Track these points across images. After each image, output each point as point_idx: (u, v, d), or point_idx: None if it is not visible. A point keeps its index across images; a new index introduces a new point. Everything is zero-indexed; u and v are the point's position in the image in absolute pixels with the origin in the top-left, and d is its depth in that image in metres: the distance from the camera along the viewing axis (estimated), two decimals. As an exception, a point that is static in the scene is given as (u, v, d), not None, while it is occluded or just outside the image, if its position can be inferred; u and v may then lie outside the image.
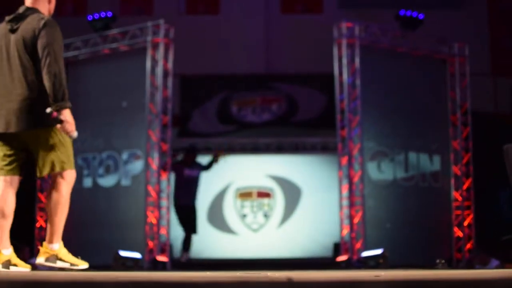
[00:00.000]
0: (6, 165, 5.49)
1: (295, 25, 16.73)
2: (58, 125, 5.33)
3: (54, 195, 5.48)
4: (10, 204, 5.54)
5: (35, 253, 11.29)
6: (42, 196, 12.03)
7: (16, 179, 5.54)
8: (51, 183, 5.55)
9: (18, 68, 5.36)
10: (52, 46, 5.37)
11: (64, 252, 5.46)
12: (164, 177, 11.43)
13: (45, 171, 5.43)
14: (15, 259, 5.51)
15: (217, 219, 14.17)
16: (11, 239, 5.56)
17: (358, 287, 2.57)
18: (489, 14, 17.09)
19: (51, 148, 5.39)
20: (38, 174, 5.47)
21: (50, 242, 5.46)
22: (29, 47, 5.35)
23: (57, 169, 5.41)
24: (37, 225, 11.99)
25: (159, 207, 11.23)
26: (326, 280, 2.74)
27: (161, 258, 11.10)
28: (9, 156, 5.49)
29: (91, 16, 12.20)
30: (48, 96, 5.23)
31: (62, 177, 5.46)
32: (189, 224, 12.17)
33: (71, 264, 5.42)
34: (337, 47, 11.63)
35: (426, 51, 12.26)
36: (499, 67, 16.45)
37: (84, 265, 5.51)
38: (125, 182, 11.52)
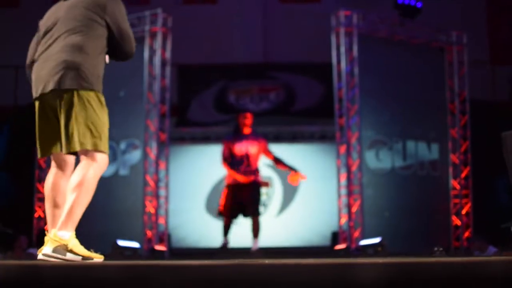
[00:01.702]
0: (47, 141, 4.87)
1: (293, 14, 16.70)
2: None
3: (78, 175, 4.69)
4: (63, 192, 4.86)
5: (34, 243, 11.32)
6: (40, 187, 12.03)
7: (63, 157, 4.89)
8: (79, 163, 4.79)
9: (66, 30, 4.84)
10: (123, 24, 5.00)
11: (75, 243, 4.67)
12: (162, 166, 11.44)
13: (74, 147, 4.67)
14: None
15: (216, 208, 14.16)
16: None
17: (354, 273, 2.57)
18: (488, 2, 17.08)
19: (88, 118, 4.69)
20: (64, 151, 4.77)
21: (61, 229, 4.65)
22: (85, 10, 4.88)
23: (89, 146, 4.67)
24: (36, 215, 11.99)
25: (157, 196, 11.25)
26: (322, 265, 2.75)
27: (160, 247, 11.12)
28: (47, 130, 4.83)
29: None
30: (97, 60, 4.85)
31: (92, 158, 4.72)
32: (247, 206, 10.82)
33: (83, 258, 4.62)
34: (335, 36, 11.62)
35: (424, 40, 12.26)
36: (498, 55, 16.43)
37: (100, 258, 4.77)
38: (123, 171, 11.53)
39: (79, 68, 4.74)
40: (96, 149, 4.73)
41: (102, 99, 4.87)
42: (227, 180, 11.02)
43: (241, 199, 10.77)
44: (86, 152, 4.73)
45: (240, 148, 10.75)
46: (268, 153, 11.16)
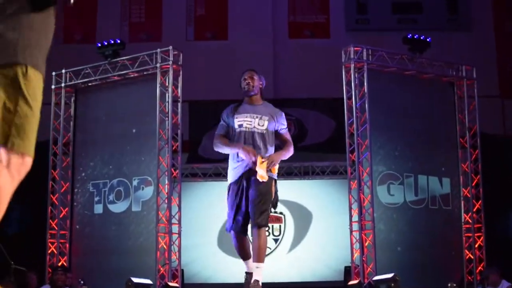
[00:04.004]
0: None
1: (303, 50, 16.82)
2: None
3: None
4: None
5: (45, 280, 11.35)
6: (52, 223, 12.07)
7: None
8: None
9: None
10: None
11: None
12: (174, 203, 11.45)
13: None
14: None
15: (228, 244, 14.13)
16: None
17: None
18: (496, 36, 17.15)
19: (9, 106, 3.21)
20: None
21: None
22: None
23: (5, 142, 3.20)
24: (49, 251, 12.02)
25: (170, 232, 11.24)
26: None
27: (173, 283, 11.10)
28: None
29: (100, 43, 12.29)
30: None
31: (7, 159, 3.21)
32: (254, 210, 6.95)
33: None
34: (345, 71, 11.67)
35: (434, 74, 12.29)
36: (507, 89, 16.48)
37: None
38: (135, 208, 11.55)
39: (10, 38, 3.30)
40: (18, 150, 3.28)
41: (36, 80, 3.34)
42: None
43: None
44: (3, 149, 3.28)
45: (240, 125, 7.18)
46: (279, 134, 7.42)
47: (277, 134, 7.40)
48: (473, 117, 12.34)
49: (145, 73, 11.86)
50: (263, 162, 6.96)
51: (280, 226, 13.73)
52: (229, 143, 7.15)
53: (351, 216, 11.40)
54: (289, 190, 14.11)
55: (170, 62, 11.53)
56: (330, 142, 14.91)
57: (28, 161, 3.25)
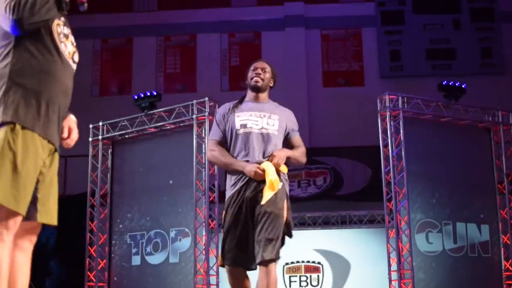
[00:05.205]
0: None
1: (337, 99, 16.86)
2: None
3: None
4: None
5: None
6: (90, 275, 12.11)
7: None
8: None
9: None
10: None
11: None
12: (212, 254, 11.42)
13: None
14: None
15: None
16: None
17: None
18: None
19: None
20: None
21: None
22: None
23: None
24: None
25: (208, 284, 11.20)
26: None
27: (211, 335, 11.05)
28: None
29: (136, 95, 12.41)
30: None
31: None
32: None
33: None
34: (381, 119, 11.66)
35: (470, 121, 12.23)
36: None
37: None
38: (173, 259, 11.56)
39: None
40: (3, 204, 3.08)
41: (24, 138, 3.18)
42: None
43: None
44: None
45: (241, 126, 5.74)
46: (289, 139, 5.99)
47: (287, 138, 5.93)
48: (511, 163, 12.25)
49: (181, 124, 11.93)
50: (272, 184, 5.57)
51: (318, 276, 13.60)
52: (231, 159, 5.69)
53: (389, 265, 11.31)
54: (326, 239, 14.04)
55: (206, 113, 11.58)
56: (367, 191, 14.84)
57: (14, 216, 3.08)
